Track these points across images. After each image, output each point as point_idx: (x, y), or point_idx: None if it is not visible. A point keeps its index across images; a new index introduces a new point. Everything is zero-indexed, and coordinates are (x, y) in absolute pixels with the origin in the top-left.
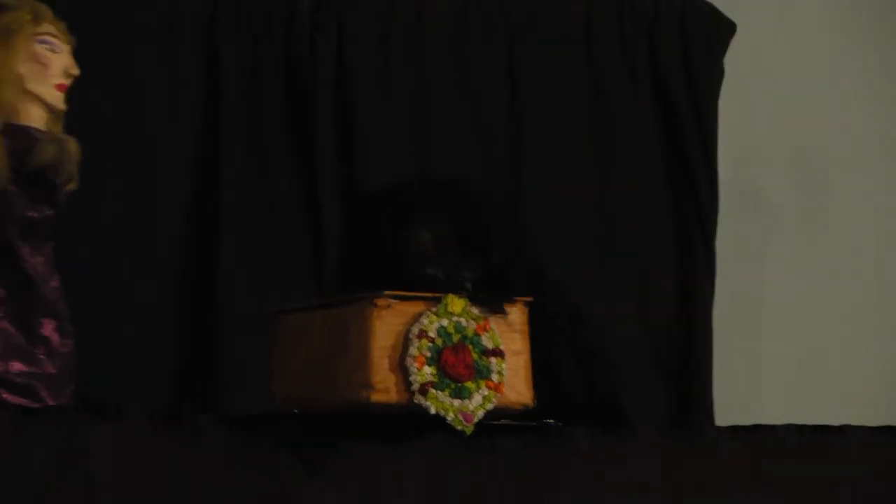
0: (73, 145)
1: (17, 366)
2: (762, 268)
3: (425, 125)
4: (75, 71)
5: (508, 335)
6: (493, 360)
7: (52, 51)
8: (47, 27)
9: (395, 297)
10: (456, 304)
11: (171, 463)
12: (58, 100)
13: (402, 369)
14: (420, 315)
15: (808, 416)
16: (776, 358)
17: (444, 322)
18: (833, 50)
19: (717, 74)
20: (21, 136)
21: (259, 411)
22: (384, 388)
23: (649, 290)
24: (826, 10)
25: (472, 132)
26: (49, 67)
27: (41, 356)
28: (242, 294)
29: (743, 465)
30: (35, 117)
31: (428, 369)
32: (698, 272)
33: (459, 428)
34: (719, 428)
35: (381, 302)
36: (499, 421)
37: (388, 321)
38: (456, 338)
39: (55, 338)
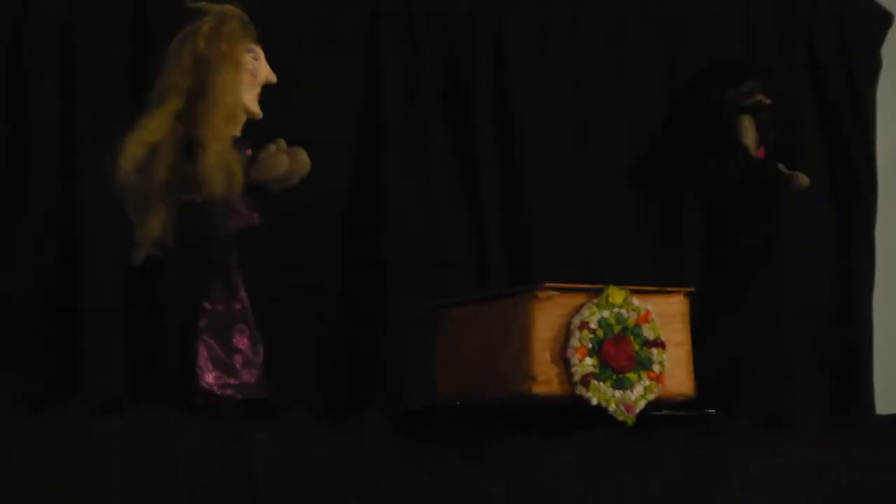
0: (304, 157)
1: (216, 377)
2: None
3: (582, 124)
4: (273, 78)
5: (669, 326)
6: (654, 350)
7: (255, 59)
8: (252, 35)
9: (556, 290)
10: (617, 295)
11: (335, 459)
12: (257, 108)
13: (563, 361)
14: (581, 306)
15: None
16: None
17: (605, 313)
18: None
19: (874, 65)
20: (247, 148)
21: (423, 406)
22: (546, 379)
23: (812, 283)
24: None
25: (629, 131)
26: (256, 77)
27: (238, 366)
28: (406, 289)
29: None
30: (241, 126)
31: (589, 360)
32: (859, 264)
33: (621, 419)
34: (880, 417)
35: (542, 294)
36: (660, 411)
37: (549, 313)
38: (617, 329)
39: (248, 347)
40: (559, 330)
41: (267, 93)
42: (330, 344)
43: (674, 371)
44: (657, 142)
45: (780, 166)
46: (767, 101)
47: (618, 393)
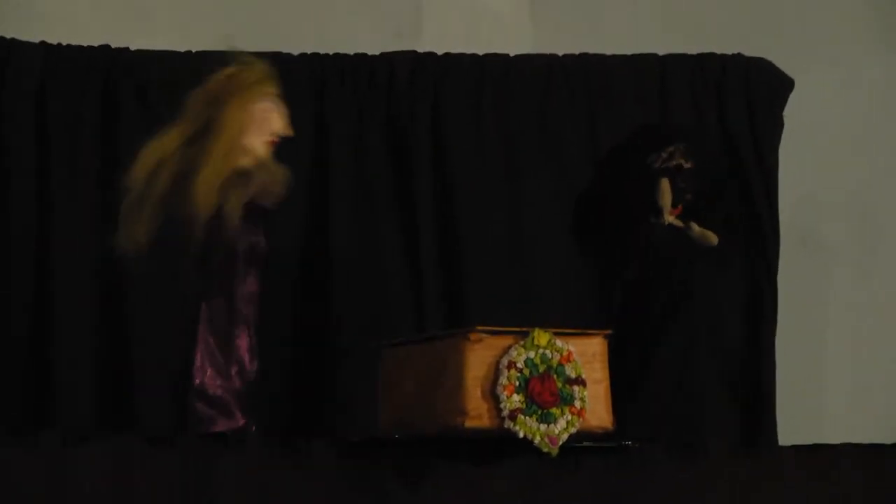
0: (280, 172)
1: (214, 378)
2: (822, 304)
3: (513, 176)
4: (289, 132)
5: (590, 365)
6: (575, 388)
7: (270, 110)
8: (270, 88)
9: (487, 332)
10: (542, 337)
11: (288, 486)
12: (265, 154)
13: (493, 397)
14: (509, 347)
15: (864, 436)
16: (835, 382)
17: (531, 354)
18: (883, 100)
19: (777, 127)
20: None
21: (365, 436)
22: (477, 414)
23: (721, 327)
24: (876, 66)
25: (556, 182)
26: (266, 125)
27: (233, 373)
28: (352, 331)
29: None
30: (244, 162)
31: (517, 397)
32: (763, 310)
33: (546, 450)
34: (783, 448)
35: (474, 336)
36: (582, 443)
37: (480, 353)
38: (542, 368)
39: (247, 357)
40: (489, 369)
41: None
42: (281, 378)
43: (594, 406)
44: (583, 201)
45: (693, 225)
46: (687, 165)
47: (543, 426)
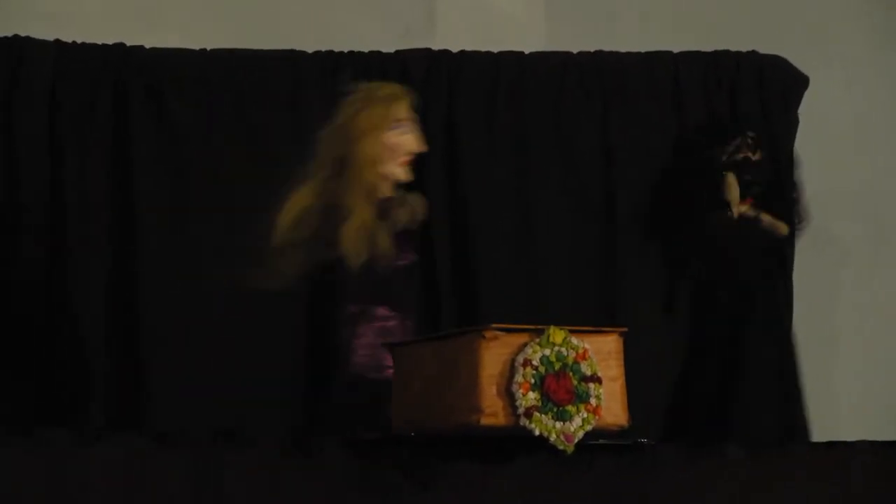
0: (419, 201)
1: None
2: (833, 301)
3: (526, 174)
4: (421, 148)
5: (605, 362)
6: (591, 385)
7: (402, 133)
8: (400, 112)
9: (502, 330)
10: (557, 335)
11: (299, 485)
12: (403, 174)
13: (508, 395)
14: (525, 345)
15: (877, 433)
16: (847, 379)
17: (547, 351)
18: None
19: (792, 124)
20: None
21: (378, 436)
22: (492, 412)
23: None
24: (890, 64)
25: (570, 182)
26: (399, 149)
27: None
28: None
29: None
30: (386, 191)
31: (532, 395)
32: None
33: (561, 448)
34: (797, 445)
35: (489, 334)
36: (597, 441)
37: (495, 351)
38: (557, 366)
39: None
40: (504, 366)
41: (241, 149)
42: (293, 376)
43: (609, 404)
44: (658, 195)
45: (763, 216)
46: (755, 157)
47: (558, 424)
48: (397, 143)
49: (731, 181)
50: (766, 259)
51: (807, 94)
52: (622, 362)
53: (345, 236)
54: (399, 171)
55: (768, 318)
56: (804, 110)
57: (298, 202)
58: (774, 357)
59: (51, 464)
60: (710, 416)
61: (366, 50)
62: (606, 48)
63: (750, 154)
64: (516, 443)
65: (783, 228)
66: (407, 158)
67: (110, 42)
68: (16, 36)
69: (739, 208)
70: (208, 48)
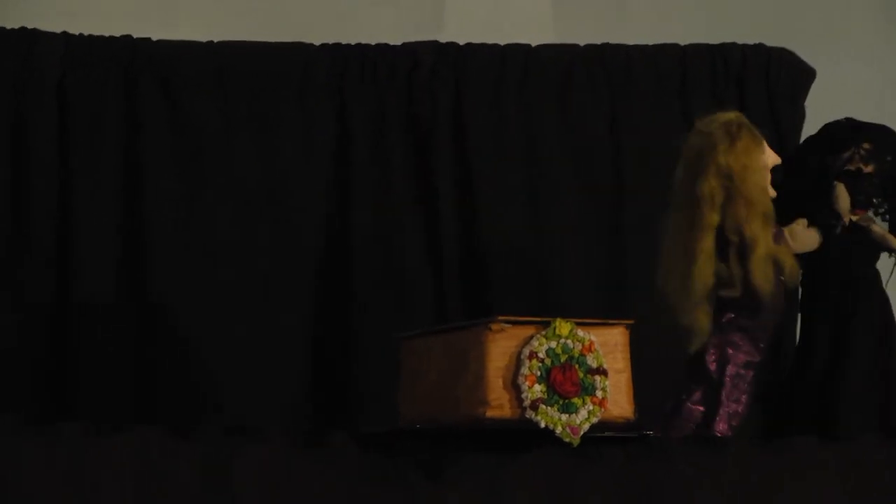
0: (802, 221)
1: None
2: None
3: (533, 166)
4: (779, 160)
5: (611, 355)
6: (597, 377)
7: (765, 150)
8: (756, 133)
9: (509, 322)
10: (563, 327)
11: (310, 478)
12: (773, 191)
13: (514, 387)
14: (531, 338)
15: None
16: None
17: (553, 344)
18: None
19: (799, 117)
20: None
21: (387, 428)
22: (499, 404)
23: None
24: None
25: (577, 175)
26: (766, 167)
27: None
28: (373, 323)
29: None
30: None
31: (538, 387)
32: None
33: (567, 440)
34: (807, 439)
35: (495, 326)
36: (603, 433)
37: (501, 344)
38: (563, 358)
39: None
40: (511, 359)
41: (251, 140)
42: (302, 371)
43: (615, 396)
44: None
45: (874, 227)
46: (867, 169)
47: (564, 416)
48: (765, 164)
49: (841, 192)
50: (871, 267)
51: (813, 87)
52: (628, 355)
53: (754, 276)
54: (768, 183)
55: (871, 320)
56: (811, 103)
57: (705, 251)
58: (878, 358)
59: (64, 456)
60: (812, 417)
61: (373, 42)
62: (613, 41)
63: (862, 166)
64: (523, 435)
65: (893, 242)
66: (769, 170)
67: (119, 34)
68: (24, 28)
69: (851, 217)
70: (216, 40)
